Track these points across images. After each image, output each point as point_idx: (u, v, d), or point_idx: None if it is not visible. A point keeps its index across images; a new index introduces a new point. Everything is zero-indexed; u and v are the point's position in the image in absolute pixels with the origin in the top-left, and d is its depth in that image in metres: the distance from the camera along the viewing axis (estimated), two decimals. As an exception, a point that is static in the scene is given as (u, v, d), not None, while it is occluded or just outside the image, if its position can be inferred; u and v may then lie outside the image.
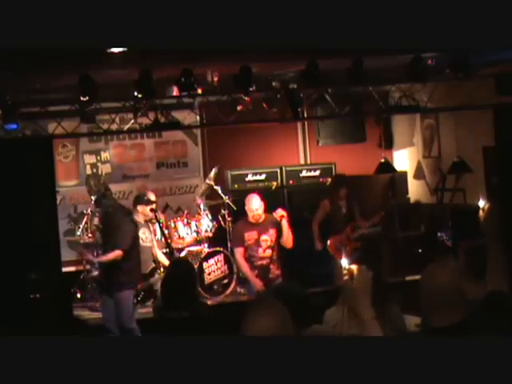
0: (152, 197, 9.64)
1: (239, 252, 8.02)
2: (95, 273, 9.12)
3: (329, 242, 8.92)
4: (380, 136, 11.80)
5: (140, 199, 8.62)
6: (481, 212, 3.83)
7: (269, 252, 7.91)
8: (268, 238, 7.87)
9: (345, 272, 3.11)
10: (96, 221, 8.93)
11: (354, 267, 3.07)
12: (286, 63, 7.87)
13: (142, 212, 8.48)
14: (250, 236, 7.94)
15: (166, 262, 8.78)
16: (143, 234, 8.57)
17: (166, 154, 11.28)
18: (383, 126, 11.71)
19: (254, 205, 7.86)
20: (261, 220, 7.86)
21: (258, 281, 7.92)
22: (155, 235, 9.07)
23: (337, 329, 4.34)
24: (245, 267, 8.00)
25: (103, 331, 7.65)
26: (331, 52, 6.68)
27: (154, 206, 8.61)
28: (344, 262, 3.16)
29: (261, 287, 7.87)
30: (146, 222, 8.68)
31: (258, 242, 7.91)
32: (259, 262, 7.89)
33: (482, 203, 3.82)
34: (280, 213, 7.85)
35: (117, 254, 7.70)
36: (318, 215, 9.07)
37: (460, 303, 3.06)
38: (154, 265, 8.78)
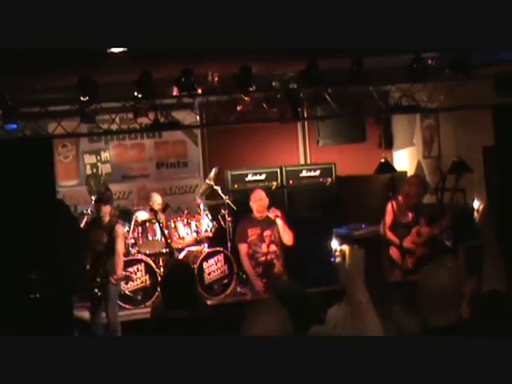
0: (158, 199, 9.64)
1: (243, 248, 8.04)
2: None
3: (391, 250, 8.11)
4: (380, 136, 11.81)
5: (101, 198, 8.50)
6: (476, 213, 3.80)
7: (273, 247, 7.94)
8: (271, 234, 7.89)
9: (337, 254, 3.05)
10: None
11: (346, 248, 3.03)
12: (286, 63, 7.87)
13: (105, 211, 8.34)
14: (254, 232, 7.98)
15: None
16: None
17: (166, 153, 11.29)
18: (383, 126, 11.71)
19: (260, 195, 7.93)
20: (265, 214, 7.90)
21: (259, 281, 7.92)
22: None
23: (337, 329, 4.34)
24: (247, 266, 8.02)
25: None
26: (331, 52, 6.68)
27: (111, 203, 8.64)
28: (334, 243, 3.09)
29: (261, 287, 7.88)
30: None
31: (261, 238, 7.94)
32: (263, 258, 7.89)
33: (476, 204, 3.80)
34: (274, 212, 7.87)
35: None
36: (386, 220, 8.13)
37: (459, 303, 3.07)
38: None
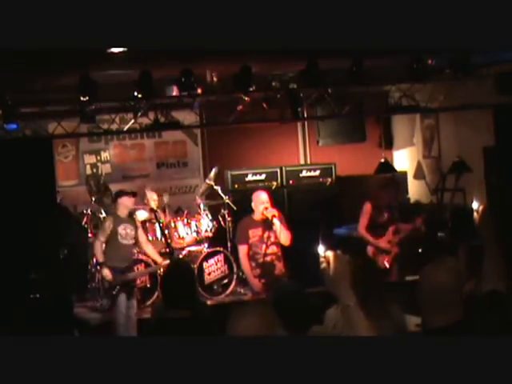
0: (153, 195, 9.63)
1: (243, 250, 8.00)
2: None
3: (368, 250, 8.28)
4: (380, 136, 11.81)
5: (120, 192, 8.15)
6: (475, 214, 3.81)
7: (274, 249, 7.91)
8: (272, 235, 7.87)
9: (321, 260, 3.05)
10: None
11: (330, 254, 3.03)
12: (286, 63, 7.87)
13: (123, 203, 7.97)
14: (255, 233, 7.94)
15: (158, 259, 8.42)
16: (123, 230, 7.98)
17: (165, 153, 11.29)
18: (383, 126, 11.72)
19: (264, 198, 7.90)
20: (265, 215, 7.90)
21: (257, 281, 7.90)
22: (146, 232, 8.87)
23: (336, 329, 4.34)
24: (246, 267, 7.99)
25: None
26: (331, 52, 6.68)
27: (133, 197, 8.20)
28: (320, 249, 3.09)
29: (259, 288, 7.86)
30: (128, 216, 8.08)
31: (262, 239, 7.90)
32: (264, 259, 7.87)
33: (475, 205, 3.81)
34: (271, 212, 7.84)
35: None
36: (362, 220, 8.34)
37: (458, 303, 3.07)
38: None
